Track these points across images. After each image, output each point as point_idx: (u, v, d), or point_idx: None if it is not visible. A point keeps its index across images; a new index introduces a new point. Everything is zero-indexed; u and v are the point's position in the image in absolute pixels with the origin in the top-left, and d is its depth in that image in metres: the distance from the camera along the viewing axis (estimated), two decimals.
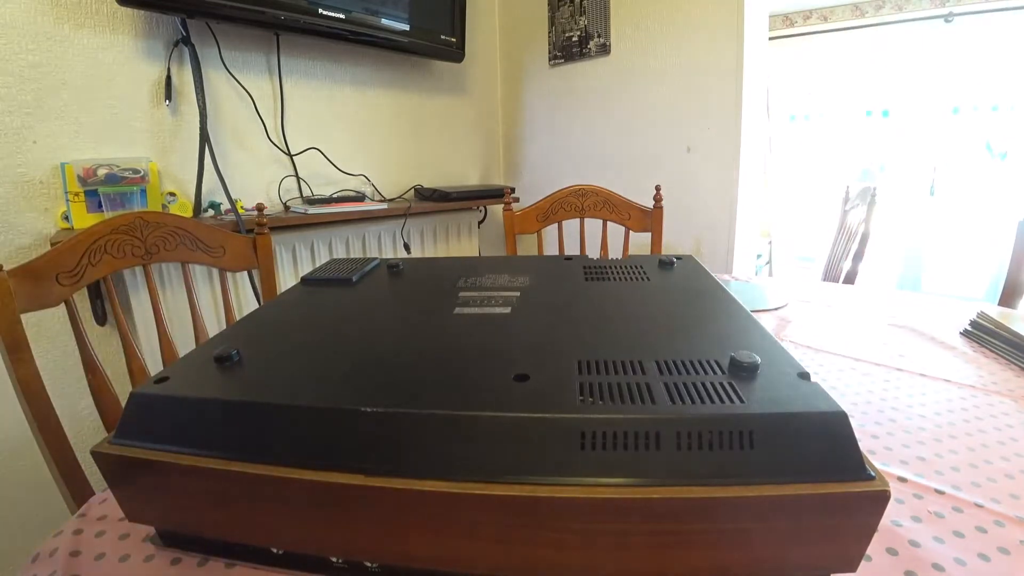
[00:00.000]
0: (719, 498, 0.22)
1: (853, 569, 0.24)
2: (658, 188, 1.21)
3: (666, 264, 0.50)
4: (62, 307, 0.66)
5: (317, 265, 0.53)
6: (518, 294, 0.42)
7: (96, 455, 0.28)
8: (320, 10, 1.23)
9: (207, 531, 0.30)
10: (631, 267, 0.50)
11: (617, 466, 0.23)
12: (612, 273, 0.48)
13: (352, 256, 1.15)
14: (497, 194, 1.65)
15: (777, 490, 0.22)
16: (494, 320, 0.37)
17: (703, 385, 0.26)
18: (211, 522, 0.29)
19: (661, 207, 1.21)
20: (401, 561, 0.27)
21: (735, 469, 0.23)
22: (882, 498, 0.22)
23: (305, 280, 0.49)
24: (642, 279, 0.46)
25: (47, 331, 1.01)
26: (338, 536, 0.27)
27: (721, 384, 0.26)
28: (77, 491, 0.60)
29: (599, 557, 0.24)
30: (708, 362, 0.29)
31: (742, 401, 0.25)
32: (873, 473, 0.23)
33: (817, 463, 0.23)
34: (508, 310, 0.39)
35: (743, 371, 0.27)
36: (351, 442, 0.25)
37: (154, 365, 0.91)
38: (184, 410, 0.28)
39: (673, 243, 1.63)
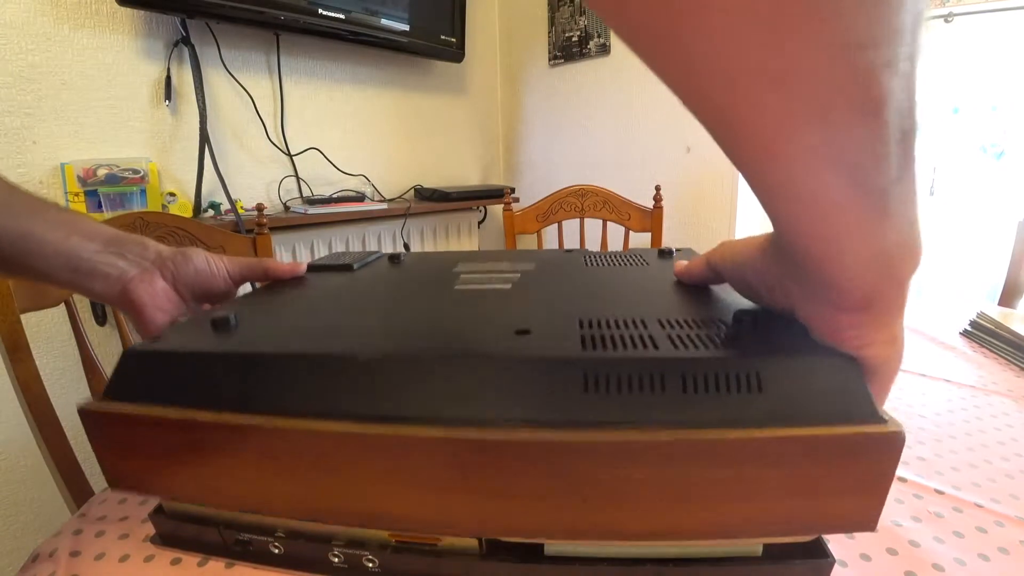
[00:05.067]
0: (727, 440, 0.21)
1: (872, 527, 0.23)
2: (658, 188, 1.21)
3: (666, 254, 0.50)
4: (62, 307, 0.66)
5: None
6: (518, 275, 0.42)
7: (83, 412, 0.26)
8: (320, 10, 1.23)
9: (194, 495, 0.29)
10: (631, 256, 0.50)
11: (621, 410, 0.22)
12: (612, 260, 0.48)
13: None
14: (497, 194, 1.65)
15: (787, 432, 0.21)
16: (494, 294, 0.37)
17: (707, 335, 0.26)
18: (199, 485, 0.28)
19: (661, 207, 1.21)
20: (397, 525, 0.26)
21: (743, 412, 0.22)
22: (897, 440, 0.21)
23: (307, 267, 0.49)
24: (642, 265, 0.46)
25: (47, 331, 1.01)
26: (330, 494, 0.26)
27: (725, 334, 0.26)
28: (77, 491, 0.60)
29: (602, 510, 0.23)
30: (711, 319, 0.28)
31: (747, 346, 0.24)
32: (885, 417, 0.22)
33: (827, 407, 0.22)
34: (508, 287, 0.39)
35: (747, 324, 0.27)
36: (346, 390, 0.25)
37: None
38: (178, 365, 0.27)
39: (673, 243, 1.63)
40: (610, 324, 0.28)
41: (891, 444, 0.21)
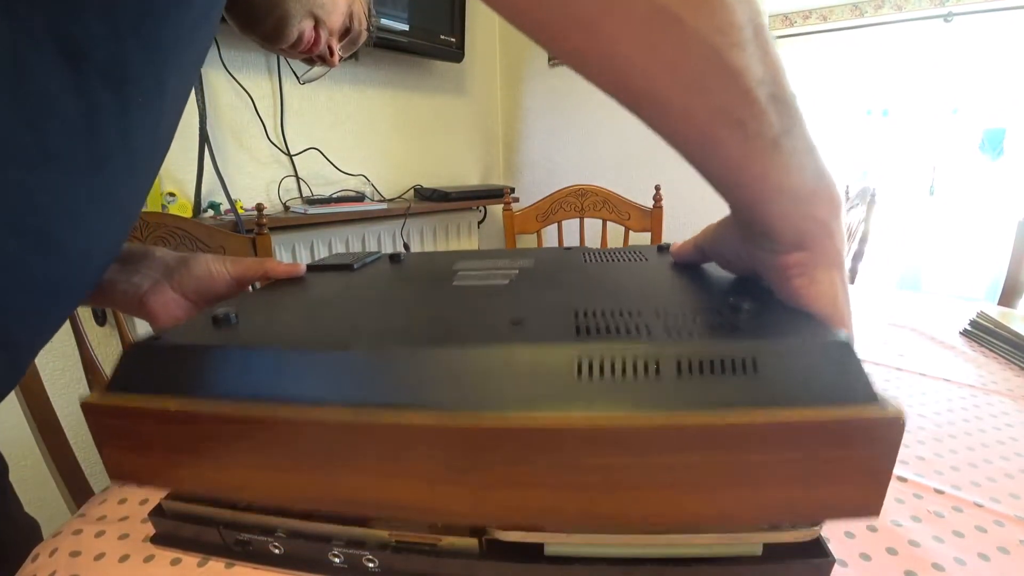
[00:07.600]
0: (722, 423, 0.21)
1: (876, 513, 0.23)
2: (658, 188, 1.22)
3: (664, 249, 0.50)
4: None
5: None
6: (517, 271, 0.42)
7: (85, 407, 0.27)
8: None
9: (193, 485, 0.29)
10: (630, 252, 0.50)
11: (616, 394, 0.22)
12: (611, 256, 0.48)
13: None
14: (497, 194, 1.65)
15: (783, 415, 0.21)
16: (491, 289, 0.37)
17: (702, 323, 0.26)
18: (198, 474, 0.28)
19: (661, 207, 1.21)
20: (392, 511, 0.26)
21: (738, 395, 0.22)
22: (896, 425, 0.21)
23: (307, 267, 0.49)
24: (641, 260, 0.46)
25: None
26: (327, 483, 0.26)
27: (720, 321, 0.26)
28: (77, 491, 0.60)
29: (596, 497, 0.23)
30: (705, 308, 0.28)
31: (742, 330, 0.24)
32: (884, 402, 0.22)
33: (825, 389, 0.22)
34: (506, 282, 0.39)
35: (743, 312, 0.27)
36: (342, 379, 0.25)
37: None
38: (178, 357, 0.27)
39: (672, 242, 1.63)
40: (605, 314, 0.28)
41: (891, 427, 0.21)
